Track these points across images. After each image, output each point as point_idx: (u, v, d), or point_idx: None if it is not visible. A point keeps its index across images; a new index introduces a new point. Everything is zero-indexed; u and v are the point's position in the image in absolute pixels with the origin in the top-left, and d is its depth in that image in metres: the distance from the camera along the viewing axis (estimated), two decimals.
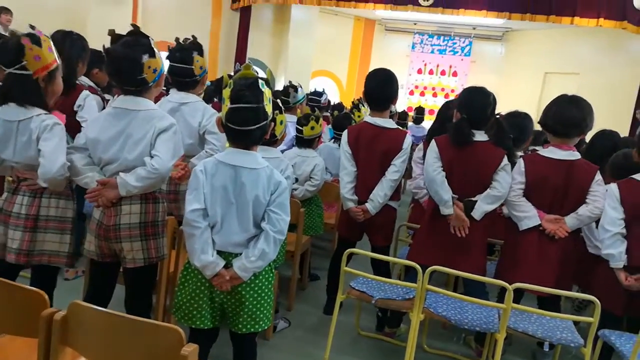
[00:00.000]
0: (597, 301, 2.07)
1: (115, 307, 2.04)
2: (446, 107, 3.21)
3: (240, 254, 1.78)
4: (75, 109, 2.59)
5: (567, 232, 2.44)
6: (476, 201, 2.50)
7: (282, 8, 10.48)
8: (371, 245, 2.92)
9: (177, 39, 2.78)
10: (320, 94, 4.88)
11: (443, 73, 11.75)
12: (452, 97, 11.67)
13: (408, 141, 2.80)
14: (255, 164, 1.77)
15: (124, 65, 1.89)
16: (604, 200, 2.40)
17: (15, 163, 2.00)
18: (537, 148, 3.77)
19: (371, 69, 10.78)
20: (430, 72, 11.82)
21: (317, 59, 11.24)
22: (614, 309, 2.32)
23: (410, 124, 7.89)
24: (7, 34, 6.18)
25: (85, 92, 2.65)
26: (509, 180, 2.50)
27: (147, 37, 1.96)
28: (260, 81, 1.78)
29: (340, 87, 12.24)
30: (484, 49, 11.60)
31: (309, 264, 3.47)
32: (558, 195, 2.46)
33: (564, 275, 2.49)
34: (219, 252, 1.78)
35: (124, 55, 1.88)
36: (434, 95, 11.84)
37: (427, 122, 8.87)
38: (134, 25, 2.04)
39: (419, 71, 11.87)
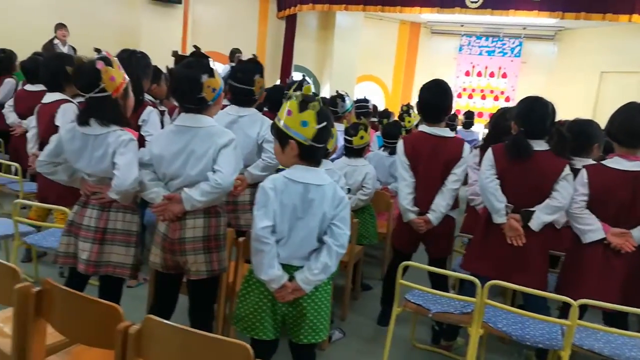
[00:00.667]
0: None
1: (178, 316, 2.14)
2: (502, 117, 3.13)
3: (302, 266, 1.82)
4: (139, 123, 2.72)
5: (634, 246, 2.33)
6: (534, 211, 2.43)
7: (327, 14, 10.55)
8: (429, 257, 2.89)
9: (237, 56, 2.86)
10: (366, 101, 4.86)
11: (492, 75, 11.46)
12: (501, 99, 11.39)
13: (467, 149, 2.76)
14: (321, 181, 1.81)
15: (184, 85, 1.98)
16: None
17: (88, 175, 2.11)
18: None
19: (417, 72, 10.70)
20: (479, 74, 11.56)
21: (362, 64, 11.23)
22: None
23: (459, 128, 7.74)
24: (64, 49, 6.52)
25: (149, 108, 2.77)
26: (570, 191, 2.42)
27: (207, 57, 2.04)
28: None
29: (385, 92, 12.18)
30: (535, 49, 11.23)
31: (361, 273, 3.47)
32: (624, 208, 2.36)
33: (632, 291, 2.37)
34: (282, 265, 1.82)
35: (185, 75, 1.98)
36: (483, 97, 11.57)
37: (477, 126, 8.70)
38: (195, 46, 2.13)
39: (467, 73, 11.63)
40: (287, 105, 1.80)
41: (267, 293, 1.83)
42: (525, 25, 10.66)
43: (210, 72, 1.98)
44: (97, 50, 2.12)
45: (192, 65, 1.99)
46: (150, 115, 2.75)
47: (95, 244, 2.08)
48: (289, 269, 1.82)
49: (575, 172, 2.49)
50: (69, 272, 2.28)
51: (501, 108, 3.53)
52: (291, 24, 10.37)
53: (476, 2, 8.22)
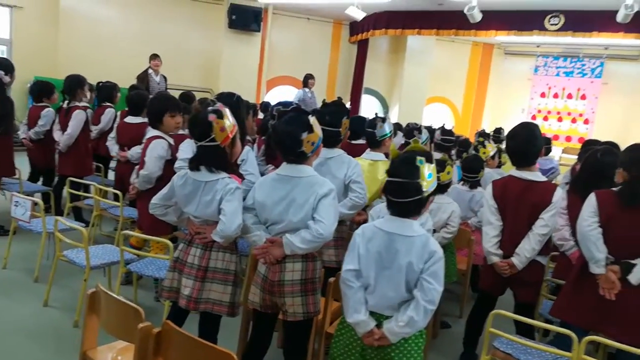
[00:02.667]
0: None
1: (270, 351, 2.25)
2: (594, 159, 3.03)
3: (392, 316, 1.86)
4: (239, 162, 2.89)
5: None
6: (634, 264, 2.34)
7: (398, 38, 10.62)
8: (515, 301, 2.84)
9: (324, 101, 3.00)
10: (451, 132, 4.78)
11: (570, 96, 10.99)
12: (579, 121, 10.88)
13: (558, 194, 2.70)
14: (410, 232, 1.85)
15: (286, 141, 2.11)
16: None
17: (195, 217, 2.29)
18: None
19: (489, 93, 10.45)
20: (555, 96, 11.12)
21: (432, 86, 11.16)
22: None
23: None
24: (157, 78, 6.95)
25: (247, 147, 2.95)
26: None
27: (307, 113, 2.16)
28: (418, 158, 1.87)
29: (455, 113, 12.00)
30: (618, 70, 10.67)
31: (440, 311, 3.44)
32: None
33: None
34: (372, 313, 1.89)
35: (286, 132, 2.10)
36: (559, 119, 11.11)
37: (555, 150, 8.37)
38: (296, 103, 2.26)
39: (542, 95, 11.24)
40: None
41: (357, 337, 1.90)
42: (607, 46, 10.17)
43: (310, 129, 2.10)
44: (213, 102, 2.29)
45: (293, 122, 2.12)
46: (248, 154, 2.92)
47: (197, 281, 2.23)
48: (379, 317, 1.87)
49: None
50: (171, 306, 2.45)
51: (589, 146, 3.41)
52: (363, 48, 10.53)
53: (556, 24, 7.97)
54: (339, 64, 10.94)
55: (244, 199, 2.25)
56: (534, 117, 11.25)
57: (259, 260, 2.19)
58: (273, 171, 2.33)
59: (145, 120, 3.74)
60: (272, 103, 6.07)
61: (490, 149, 4.77)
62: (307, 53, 10.43)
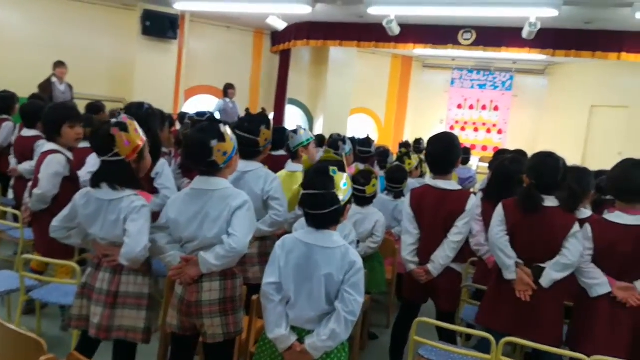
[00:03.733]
0: None
1: None
2: (502, 167, 3.17)
3: (313, 330, 1.82)
4: (153, 176, 2.71)
5: (639, 299, 2.35)
6: (544, 268, 2.46)
7: (320, 49, 10.72)
8: (436, 310, 2.88)
9: (247, 110, 2.90)
10: (369, 143, 4.87)
11: (484, 108, 11.65)
12: (494, 131, 11.55)
13: (472, 202, 2.77)
14: (330, 243, 1.82)
15: (195, 149, 2.01)
16: None
17: (101, 239, 2.09)
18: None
19: (409, 104, 10.81)
20: (471, 107, 11.74)
21: (356, 97, 11.37)
22: None
23: None
24: (61, 87, 6.48)
25: (162, 160, 2.78)
26: (579, 248, 2.44)
27: (221, 122, 2.07)
28: (331, 168, 1.83)
29: (378, 124, 12.30)
30: (526, 83, 11.47)
31: (368, 323, 3.43)
32: (627, 262, 2.40)
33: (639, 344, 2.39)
34: (293, 327, 1.83)
35: (196, 140, 2.01)
36: (475, 130, 11.73)
37: (472, 159, 8.78)
38: (211, 113, 2.16)
39: (459, 106, 11.82)
40: None
41: (279, 353, 1.84)
42: (515, 60, 10.91)
43: (220, 137, 2.01)
44: (116, 114, 2.13)
45: (203, 130, 2.02)
46: (164, 167, 2.76)
47: (107, 308, 2.06)
48: (301, 332, 1.83)
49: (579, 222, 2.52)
50: (81, 335, 2.24)
51: (500, 155, 3.58)
52: (285, 58, 10.51)
53: (469, 39, 8.42)
54: (261, 74, 10.85)
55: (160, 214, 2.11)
56: (452, 128, 11.78)
57: (176, 281, 2.05)
58: (188, 185, 2.20)
59: (39, 133, 3.43)
60: (191, 113, 5.87)
61: (415, 159, 4.90)
62: (227, 62, 10.25)
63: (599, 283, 2.42)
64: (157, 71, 9.11)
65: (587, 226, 2.50)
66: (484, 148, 11.38)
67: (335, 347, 1.85)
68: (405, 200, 2.89)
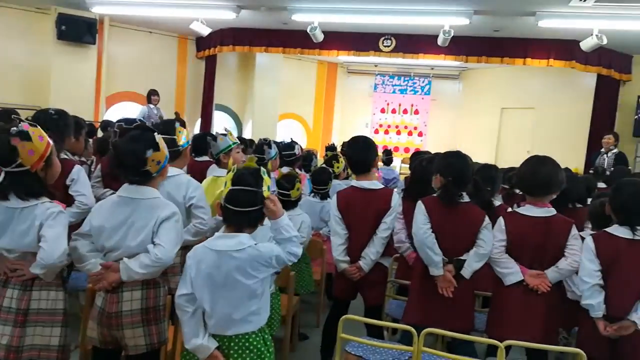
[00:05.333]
0: (583, 354, 2.18)
1: None
2: (420, 167, 3.35)
3: (237, 335, 1.83)
4: (68, 182, 2.59)
5: (549, 286, 2.56)
6: (465, 260, 2.62)
7: (247, 55, 10.68)
8: (365, 304, 2.98)
9: (176, 113, 2.86)
10: (292, 147, 4.94)
11: (405, 112, 12.14)
12: (415, 133, 12.06)
13: (395, 199, 2.91)
14: (239, 246, 1.82)
15: (128, 159, 1.96)
16: (581, 253, 2.55)
17: (7, 251, 1.97)
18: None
19: (336, 109, 11.03)
20: (393, 111, 12.19)
21: (283, 102, 11.43)
22: (598, 355, 2.44)
23: (380, 165, 8.07)
24: None
25: (77, 167, 2.66)
26: (491, 238, 2.63)
27: (153, 130, 2.03)
28: (262, 169, 1.88)
29: (306, 128, 12.44)
30: (443, 88, 12.09)
31: (298, 323, 3.48)
32: (538, 251, 2.59)
33: (550, 327, 2.61)
34: (214, 335, 1.84)
35: (129, 150, 1.96)
36: (398, 133, 12.18)
37: (395, 161, 9.14)
38: (140, 120, 2.12)
39: (382, 110, 12.22)
40: None
41: None
42: (433, 66, 11.47)
43: (156, 146, 1.97)
44: (18, 121, 2.00)
45: (137, 139, 1.97)
46: (79, 174, 2.64)
47: (16, 327, 1.94)
48: (222, 338, 1.83)
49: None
50: None
51: (417, 157, 3.78)
52: (211, 64, 10.37)
53: (389, 46, 8.75)
54: (187, 79, 10.62)
55: (79, 223, 2.04)
56: (376, 131, 12.15)
57: (96, 292, 1.98)
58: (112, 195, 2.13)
59: None
60: (114, 120, 5.64)
61: (342, 162, 5.02)
62: (151, 68, 9.94)
63: (512, 272, 2.59)
64: (75, 77, 8.65)
65: (501, 219, 2.68)
66: (407, 150, 11.85)
67: (260, 348, 1.85)
68: (332, 202, 2.98)
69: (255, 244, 1.86)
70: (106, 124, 6.18)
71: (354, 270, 2.86)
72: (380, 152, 8.55)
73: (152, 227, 1.94)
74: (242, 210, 1.82)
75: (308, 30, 7.91)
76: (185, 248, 2.68)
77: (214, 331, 1.83)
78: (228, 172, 1.89)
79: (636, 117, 8.52)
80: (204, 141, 4.34)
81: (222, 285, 1.80)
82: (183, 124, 2.83)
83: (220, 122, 10.89)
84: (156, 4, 7.85)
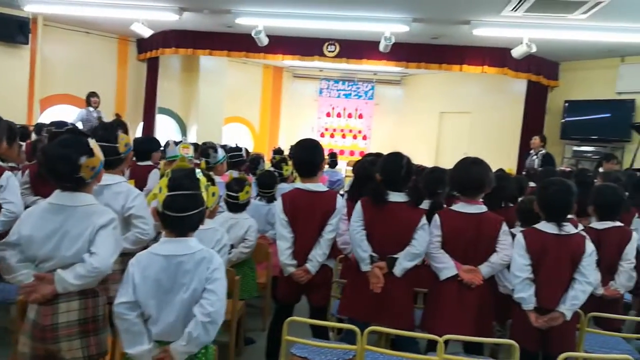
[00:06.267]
0: (516, 345, 2.31)
1: None
2: (362, 168, 3.44)
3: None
4: None
5: (482, 280, 2.70)
6: (397, 258, 2.71)
7: (191, 57, 10.49)
8: (310, 306, 3.01)
9: (117, 115, 2.78)
10: (239, 150, 4.92)
11: (350, 116, 12.35)
12: (359, 137, 12.29)
13: (340, 201, 2.96)
14: (188, 250, 1.81)
15: (59, 166, 1.88)
16: (511, 248, 2.71)
17: None
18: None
19: (282, 113, 11.07)
20: (338, 115, 12.37)
21: (229, 106, 11.32)
22: (529, 346, 2.60)
23: (325, 167, 8.16)
24: None
25: (7, 173, 2.54)
26: (426, 239, 2.73)
27: (87, 135, 1.96)
28: (196, 170, 1.86)
29: (253, 132, 12.37)
30: (385, 93, 12.40)
31: (243, 328, 3.46)
32: (470, 246, 2.72)
33: (484, 320, 2.74)
34: (158, 342, 1.81)
35: (61, 156, 1.88)
36: (343, 136, 12.37)
37: (340, 164, 9.27)
38: (72, 124, 2.04)
39: (328, 114, 12.37)
40: None
41: None
42: (376, 71, 11.73)
43: (90, 152, 1.90)
44: None
45: (69, 144, 1.89)
46: (8, 180, 2.51)
47: None
48: (166, 345, 1.80)
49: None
50: None
51: (360, 161, 3.87)
52: (153, 66, 10.11)
53: (333, 51, 8.88)
54: (127, 82, 10.29)
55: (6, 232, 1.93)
56: (322, 135, 12.28)
57: (29, 305, 1.89)
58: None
59: None
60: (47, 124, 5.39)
61: (291, 165, 5.04)
62: (89, 70, 9.56)
63: (447, 267, 2.71)
64: (6, 79, 8.19)
65: (437, 215, 2.80)
66: (352, 153, 12.06)
67: (198, 352, 1.84)
68: (277, 205, 2.98)
69: (205, 249, 1.85)
70: (40, 128, 5.90)
71: (301, 274, 2.89)
72: (325, 155, 8.74)
73: (89, 236, 1.88)
74: (182, 216, 1.78)
75: (253, 34, 7.89)
76: (126, 255, 2.62)
77: (159, 338, 1.80)
78: (161, 177, 1.83)
79: (563, 120, 9.10)
80: (146, 145, 4.25)
81: (169, 291, 1.76)
82: (125, 127, 2.76)
83: (164, 126, 10.64)
84: (93, 4, 7.57)
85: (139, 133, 10.21)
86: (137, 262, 1.79)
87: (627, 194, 3.50)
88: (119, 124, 2.74)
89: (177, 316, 1.78)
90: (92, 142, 1.95)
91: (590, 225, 3.20)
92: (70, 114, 8.78)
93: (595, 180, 4.63)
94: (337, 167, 8.42)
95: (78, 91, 8.98)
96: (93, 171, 1.93)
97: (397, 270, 2.68)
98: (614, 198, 3.15)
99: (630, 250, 3.06)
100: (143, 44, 9.95)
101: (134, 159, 4.60)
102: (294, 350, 2.53)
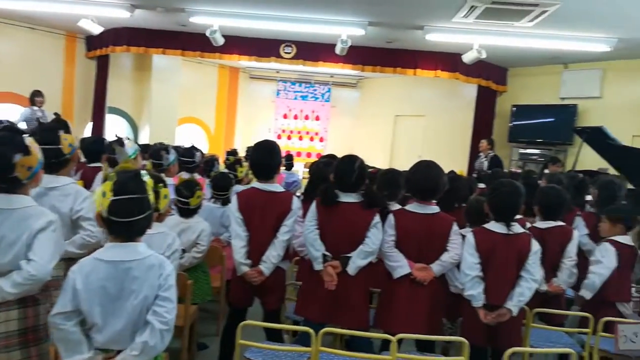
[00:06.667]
0: (466, 342, 2.37)
1: None
2: (317, 169, 3.45)
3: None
4: None
5: (434, 278, 2.76)
6: (350, 257, 2.73)
7: (143, 56, 10.21)
8: (263, 309, 2.98)
9: (56, 114, 2.65)
10: (192, 153, 4.82)
11: (307, 117, 12.36)
12: (316, 139, 12.33)
13: (296, 202, 2.96)
14: (137, 255, 1.75)
15: None
16: (461, 247, 2.79)
17: None
18: None
19: (238, 114, 10.95)
20: (295, 117, 12.35)
21: (183, 106, 11.09)
22: (478, 342, 2.68)
23: (282, 169, 8.13)
24: None
25: None
26: (379, 237, 2.78)
27: (22, 132, 1.86)
28: (142, 172, 1.80)
29: (208, 133, 12.17)
30: (342, 95, 12.49)
31: (196, 333, 3.39)
32: (423, 245, 2.79)
33: (435, 317, 2.82)
34: (105, 350, 1.74)
35: None
36: (300, 138, 12.37)
37: (297, 165, 9.26)
38: (9, 121, 1.93)
39: (285, 116, 12.33)
40: None
41: None
42: (332, 74, 11.81)
43: (25, 150, 1.81)
44: None
45: (3, 142, 1.80)
46: None
47: None
48: (111, 353, 1.73)
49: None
50: None
51: (317, 160, 3.90)
52: (103, 64, 9.77)
53: (290, 53, 8.87)
54: (75, 80, 9.90)
55: None
56: (279, 137, 12.23)
57: None
58: None
59: None
60: None
61: (245, 167, 4.99)
62: (34, 67, 9.14)
63: (400, 265, 2.76)
64: None
65: (391, 215, 2.85)
66: (309, 155, 12.07)
67: None
68: (232, 203, 2.94)
69: (154, 254, 1.79)
70: None
71: (254, 274, 2.86)
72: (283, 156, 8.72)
73: (26, 240, 1.79)
74: (129, 221, 1.71)
75: (207, 34, 7.77)
76: (72, 260, 2.51)
77: (105, 346, 1.72)
78: (104, 180, 1.74)
79: (510, 124, 9.46)
80: (96, 146, 4.10)
81: (117, 298, 1.70)
82: (67, 127, 2.63)
83: (114, 126, 10.30)
84: None
85: (87, 133, 9.85)
86: (79, 268, 1.70)
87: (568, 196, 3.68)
88: (60, 124, 2.61)
89: (125, 324, 1.72)
90: (29, 140, 1.86)
91: (535, 224, 3.34)
92: (13, 114, 8.37)
93: (540, 182, 4.83)
94: (294, 168, 8.41)
95: (22, 89, 8.56)
96: (30, 171, 1.84)
97: (351, 269, 2.71)
98: (557, 200, 3.30)
99: (571, 249, 3.22)
100: (92, 41, 9.61)
101: (84, 160, 4.43)
102: (248, 355, 2.51)
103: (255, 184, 2.98)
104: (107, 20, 8.13)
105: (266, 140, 3.10)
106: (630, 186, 4.06)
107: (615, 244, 3.23)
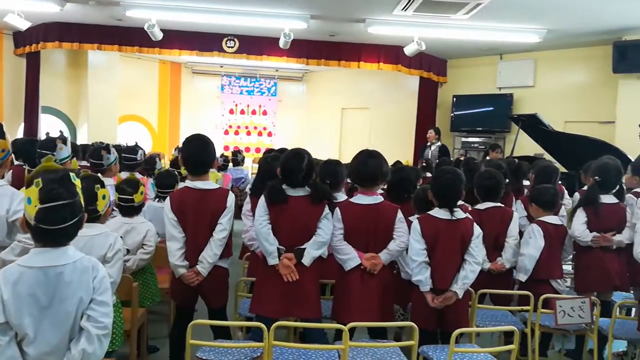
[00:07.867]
0: (416, 326, 2.44)
1: None
2: (265, 163, 3.43)
3: None
4: None
5: (383, 266, 2.81)
6: (304, 249, 2.74)
7: (77, 52, 9.74)
8: (208, 308, 2.93)
9: None
10: (135, 151, 4.66)
11: (254, 112, 12.24)
12: (264, 134, 12.24)
13: (231, 199, 2.88)
14: (68, 259, 1.65)
15: None
16: (407, 234, 2.85)
17: None
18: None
19: (182, 110, 10.72)
20: (242, 112, 12.20)
21: (123, 104, 10.69)
22: (427, 326, 2.76)
23: (230, 165, 8.02)
24: None
25: None
26: (330, 227, 2.80)
27: None
28: (70, 174, 1.70)
29: (151, 131, 11.80)
30: (288, 89, 12.45)
31: (146, 336, 3.29)
32: (371, 236, 2.83)
33: (387, 304, 2.87)
34: None
35: None
36: (248, 133, 12.24)
37: (246, 161, 9.16)
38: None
39: (231, 111, 12.15)
40: None
41: None
42: (277, 68, 11.74)
43: None
44: None
45: None
46: None
47: None
48: None
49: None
50: None
51: (264, 157, 3.86)
52: (34, 61, 9.24)
53: (232, 47, 8.73)
54: (4, 79, 9.31)
55: None
56: (226, 132, 12.05)
57: None
58: None
59: None
60: None
61: None
62: None
63: (351, 257, 2.80)
64: None
65: (337, 209, 2.87)
66: (257, 150, 11.98)
67: None
68: (166, 204, 2.85)
69: (86, 257, 1.70)
70: None
71: (192, 276, 2.78)
72: (230, 152, 8.58)
73: None
74: (60, 227, 1.60)
75: (145, 28, 7.51)
76: None
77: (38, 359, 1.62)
78: (28, 185, 1.61)
79: (452, 114, 9.77)
80: (29, 147, 3.92)
81: (48, 306, 1.60)
82: (1, 132, 2.50)
83: (49, 126, 9.78)
84: None
85: (20, 134, 9.31)
86: (4, 277, 1.58)
87: (507, 181, 3.85)
88: None
89: (59, 333, 1.63)
90: None
91: (475, 207, 3.48)
92: None
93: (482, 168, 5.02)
94: (245, 164, 8.32)
95: None
96: None
97: (306, 260, 2.71)
98: (491, 181, 3.47)
99: (513, 228, 3.39)
100: (20, 37, 9.06)
101: (18, 162, 4.19)
102: (200, 354, 2.46)
103: (188, 182, 2.87)
104: (35, 14, 7.69)
105: (197, 134, 2.98)
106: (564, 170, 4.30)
107: (542, 224, 3.41)
